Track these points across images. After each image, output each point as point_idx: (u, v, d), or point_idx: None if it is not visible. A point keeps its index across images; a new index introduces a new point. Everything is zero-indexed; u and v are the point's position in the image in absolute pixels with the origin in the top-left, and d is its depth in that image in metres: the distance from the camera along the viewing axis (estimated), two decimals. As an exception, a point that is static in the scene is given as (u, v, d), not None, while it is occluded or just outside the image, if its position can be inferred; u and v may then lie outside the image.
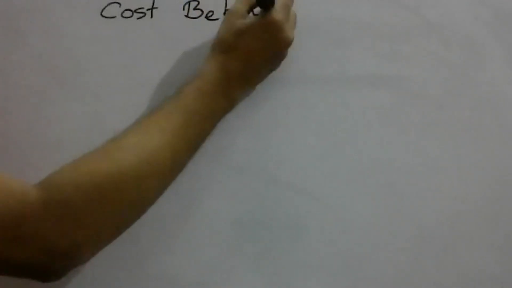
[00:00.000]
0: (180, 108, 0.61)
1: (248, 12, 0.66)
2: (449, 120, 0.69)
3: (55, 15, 0.70)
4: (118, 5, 0.70)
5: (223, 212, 0.67)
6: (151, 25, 0.70)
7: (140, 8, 0.70)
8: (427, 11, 0.71)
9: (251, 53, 0.63)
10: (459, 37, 0.70)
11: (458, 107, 0.69)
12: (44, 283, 0.56)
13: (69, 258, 0.54)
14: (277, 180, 0.67)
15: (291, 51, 0.66)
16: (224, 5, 0.70)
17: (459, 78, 0.69)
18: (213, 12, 0.70)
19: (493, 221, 0.67)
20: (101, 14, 0.70)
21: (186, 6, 0.70)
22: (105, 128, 0.67)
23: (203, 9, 0.70)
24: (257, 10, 0.66)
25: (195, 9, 0.70)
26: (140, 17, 0.70)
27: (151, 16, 0.70)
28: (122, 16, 0.70)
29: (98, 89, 0.69)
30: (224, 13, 0.70)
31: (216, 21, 0.70)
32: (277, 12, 0.63)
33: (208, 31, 0.69)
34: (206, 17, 0.70)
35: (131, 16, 0.70)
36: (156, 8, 0.70)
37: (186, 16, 0.70)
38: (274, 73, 0.67)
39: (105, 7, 0.70)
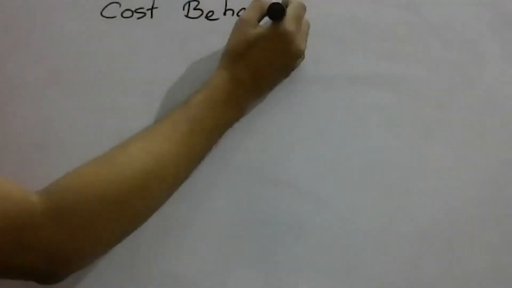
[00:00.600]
0: (188, 117, 0.60)
1: (259, 21, 0.64)
2: (449, 120, 0.69)
3: (55, 15, 0.70)
4: (118, 5, 0.70)
5: (223, 212, 0.67)
6: (151, 25, 0.70)
7: (140, 8, 0.70)
8: (428, 11, 0.71)
9: (261, 63, 0.63)
10: (459, 37, 0.70)
11: (458, 107, 0.69)
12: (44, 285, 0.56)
13: (70, 264, 0.54)
14: (277, 180, 0.67)
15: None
16: (224, 5, 0.70)
17: (459, 78, 0.69)
18: (213, 12, 0.70)
19: (493, 221, 0.67)
20: (101, 14, 0.70)
21: (186, 6, 0.70)
22: (105, 128, 0.67)
23: (203, 9, 0.70)
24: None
25: (195, 9, 0.70)
26: (140, 17, 0.70)
27: (151, 16, 0.70)
28: (122, 16, 0.70)
29: (98, 89, 0.69)
30: (224, 13, 0.70)
31: (216, 21, 0.70)
32: (289, 23, 0.62)
33: (208, 31, 0.69)
34: (206, 17, 0.70)
35: (131, 16, 0.70)
36: (156, 8, 0.70)
37: (186, 16, 0.70)
38: (274, 73, 0.67)
39: (105, 7, 0.70)
